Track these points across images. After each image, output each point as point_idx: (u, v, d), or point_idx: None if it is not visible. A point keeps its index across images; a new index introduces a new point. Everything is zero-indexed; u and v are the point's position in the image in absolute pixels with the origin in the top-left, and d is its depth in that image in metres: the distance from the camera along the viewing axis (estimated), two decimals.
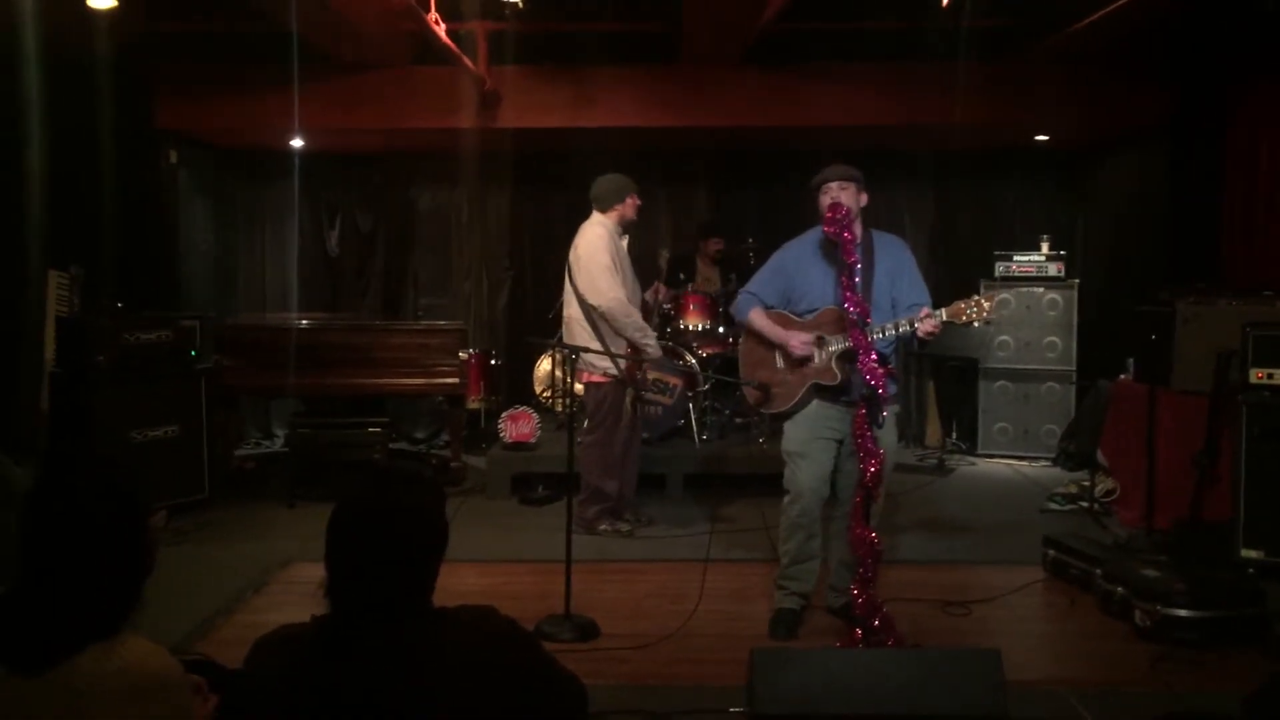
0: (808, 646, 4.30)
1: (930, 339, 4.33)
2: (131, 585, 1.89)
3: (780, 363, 4.52)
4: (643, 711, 3.68)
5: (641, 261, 7.83)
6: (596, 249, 5.85)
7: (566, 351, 5.36)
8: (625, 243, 6.09)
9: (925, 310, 4.27)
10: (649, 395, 6.73)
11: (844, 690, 3.32)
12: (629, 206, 6.04)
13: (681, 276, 8.00)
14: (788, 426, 4.56)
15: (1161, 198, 7.93)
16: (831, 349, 4.36)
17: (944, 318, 4.24)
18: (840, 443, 4.47)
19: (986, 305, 4.22)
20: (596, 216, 6.02)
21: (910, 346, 8.18)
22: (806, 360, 4.42)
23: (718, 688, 3.88)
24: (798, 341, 4.41)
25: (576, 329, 5.95)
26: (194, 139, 8.43)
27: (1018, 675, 3.63)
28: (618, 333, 5.86)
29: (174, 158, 8.27)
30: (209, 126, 8.11)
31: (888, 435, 4.35)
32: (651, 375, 6.95)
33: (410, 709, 1.80)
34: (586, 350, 5.65)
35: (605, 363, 5.86)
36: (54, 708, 1.74)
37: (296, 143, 8.45)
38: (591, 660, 4.12)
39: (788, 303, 4.58)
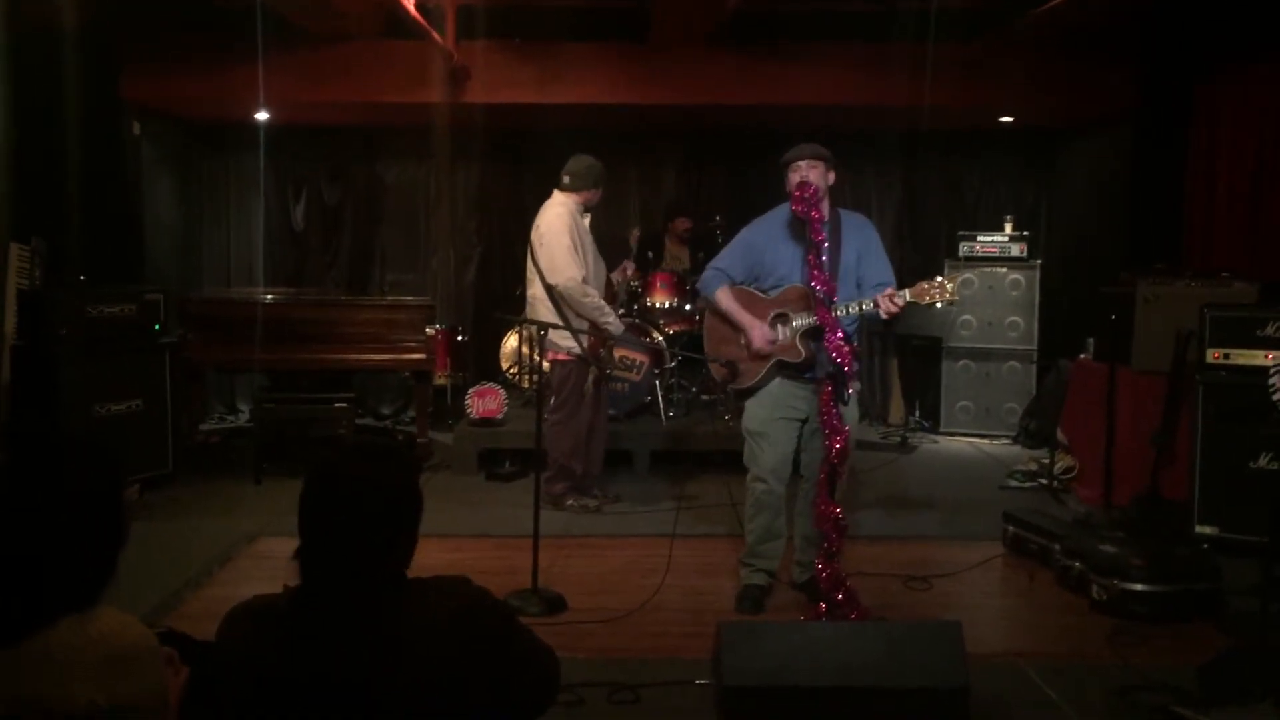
0: (773, 620, 4.36)
1: (892, 318, 4.37)
2: (107, 557, 1.90)
3: (744, 339, 4.56)
4: (611, 684, 3.73)
5: (612, 240, 7.86)
6: (558, 229, 5.86)
7: (534, 328, 5.36)
8: (587, 222, 6.10)
9: (890, 290, 4.31)
10: (614, 372, 6.75)
11: (809, 662, 3.37)
12: (595, 195, 6.07)
13: (650, 255, 8.01)
14: (749, 405, 4.59)
15: (1125, 182, 8.02)
16: (795, 325, 4.40)
17: (908, 298, 4.29)
18: (804, 422, 4.51)
19: (950, 287, 4.27)
20: (559, 196, 6.02)
21: (874, 325, 8.24)
22: (776, 328, 4.45)
23: (685, 660, 3.93)
24: (759, 335, 4.44)
25: (540, 307, 5.95)
26: (159, 111, 8.32)
27: (977, 648, 3.70)
28: (577, 312, 5.87)
29: (138, 129, 8.17)
30: (174, 98, 8.00)
31: (850, 412, 4.40)
32: (618, 353, 6.98)
33: (384, 679, 1.82)
34: (554, 326, 5.68)
35: (569, 341, 5.88)
36: (29, 678, 1.75)
37: (262, 115, 8.36)
38: (559, 634, 4.15)
39: (755, 279, 4.60)
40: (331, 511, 1.91)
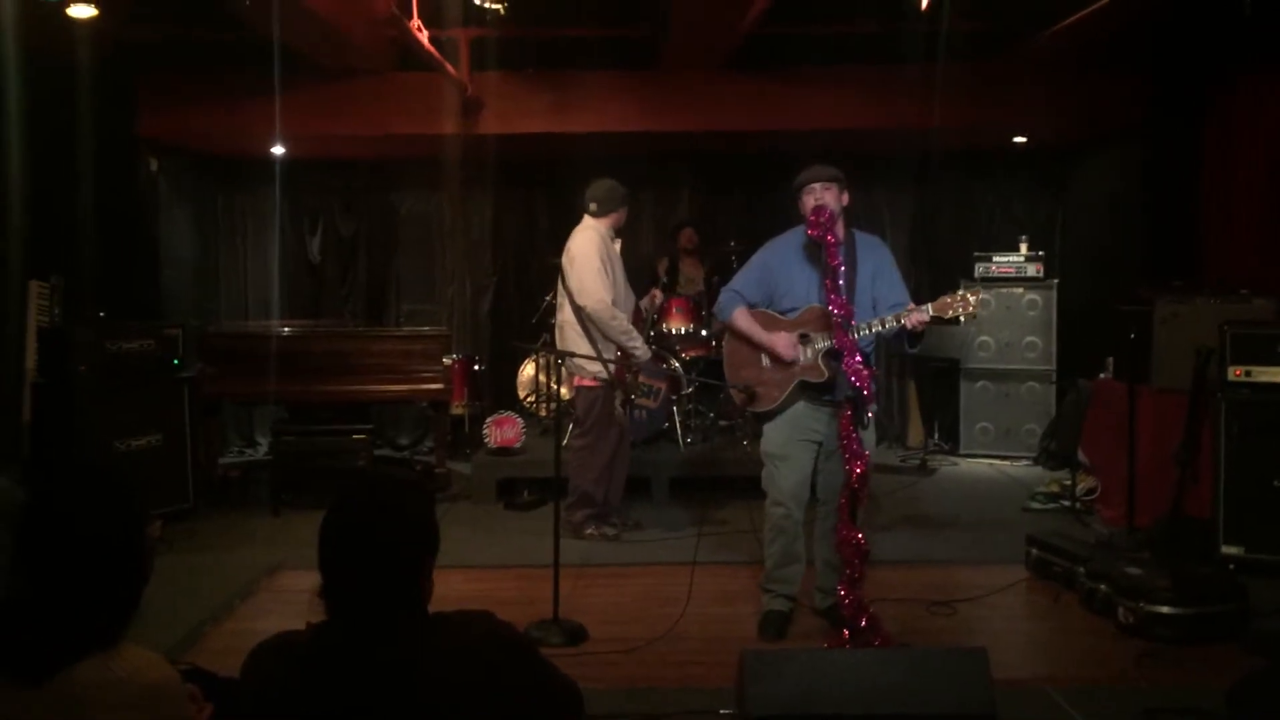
0: (796, 648, 4.32)
1: (919, 332, 4.31)
2: (131, 594, 1.90)
3: (765, 361, 4.54)
4: (634, 715, 3.70)
5: (640, 269, 7.88)
6: (587, 252, 5.89)
7: (552, 355, 5.36)
8: (618, 247, 6.13)
9: (911, 306, 4.30)
10: (636, 399, 6.74)
11: (833, 691, 3.33)
12: (623, 215, 6.10)
13: (664, 280, 8.02)
14: (768, 428, 4.58)
15: (1140, 197, 8.00)
16: (817, 346, 4.39)
17: (931, 312, 4.26)
18: (820, 445, 4.49)
19: (972, 300, 4.25)
20: (589, 221, 6.05)
21: (895, 348, 8.22)
22: (794, 360, 4.44)
23: (707, 690, 3.91)
24: (784, 344, 4.43)
25: (570, 333, 5.97)
26: (175, 146, 8.39)
27: (1003, 674, 3.66)
28: (604, 335, 5.88)
29: (155, 165, 8.24)
30: (190, 134, 8.07)
31: (868, 436, 4.38)
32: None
33: (407, 714, 1.81)
34: (572, 355, 5.69)
35: (596, 367, 5.88)
36: (55, 717, 1.75)
37: (278, 149, 8.43)
38: (580, 664, 4.13)
39: (770, 301, 4.60)
40: (351, 543, 1.90)
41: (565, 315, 6.03)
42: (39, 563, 1.86)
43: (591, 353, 5.78)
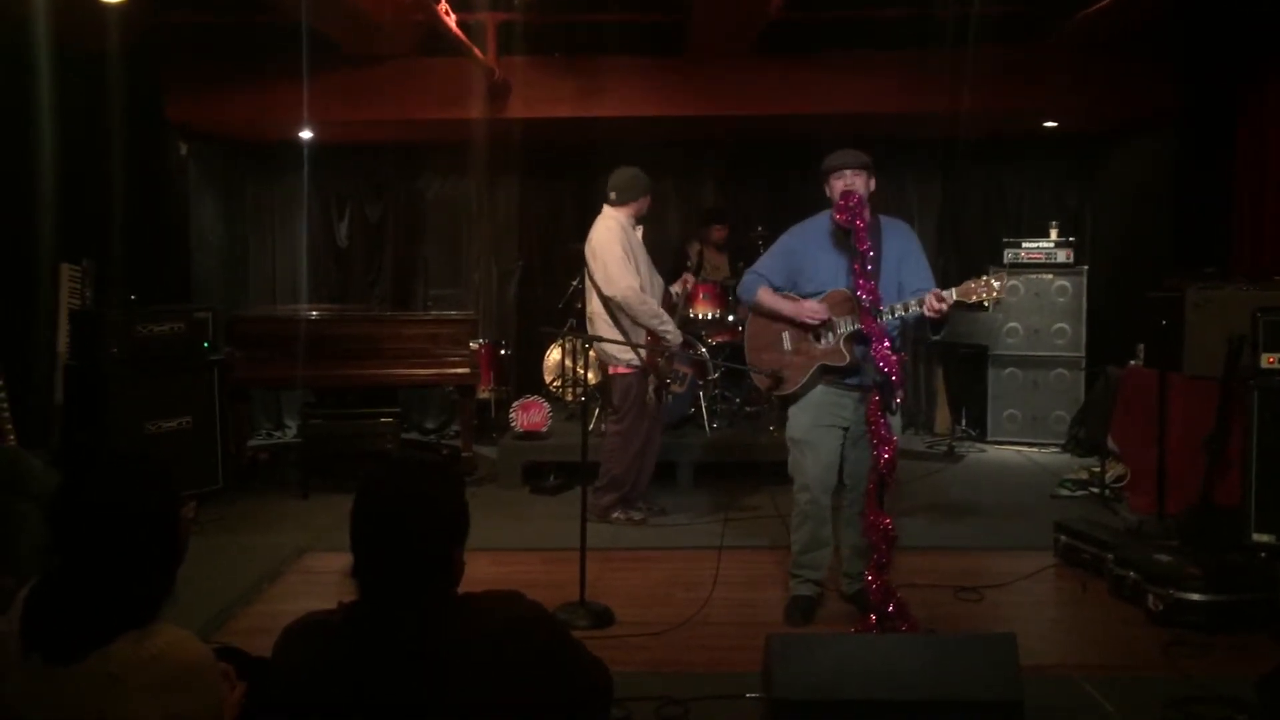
0: (823, 632, 4.32)
1: (940, 317, 4.25)
2: (166, 575, 1.92)
3: (788, 344, 4.53)
4: (659, 697, 3.71)
5: (670, 254, 7.86)
6: (608, 241, 5.88)
7: (578, 340, 5.37)
8: (640, 234, 6.12)
9: (935, 290, 4.26)
10: (670, 383, 6.74)
11: (860, 676, 3.33)
12: (644, 204, 6.08)
13: (690, 265, 8.00)
14: (793, 412, 4.57)
15: (1171, 185, 7.91)
16: (840, 330, 4.37)
17: (954, 297, 4.23)
18: (846, 430, 4.48)
19: (997, 285, 4.20)
20: (609, 211, 6.03)
21: (920, 334, 8.18)
22: (820, 331, 4.42)
23: (734, 674, 3.91)
24: (810, 309, 4.40)
25: (599, 323, 5.97)
26: (204, 132, 8.43)
27: (1030, 660, 3.64)
28: (635, 322, 5.88)
29: (184, 150, 8.30)
30: (219, 119, 8.10)
31: (895, 422, 4.35)
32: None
33: (439, 695, 1.82)
34: (599, 339, 5.69)
35: (629, 354, 5.88)
36: (90, 695, 1.77)
37: (305, 134, 8.46)
38: (608, 647, 4.12)
39: (794, 285, 4.58)
40: (382, 527, 1.92)
41: (594, 306, 6.03)
42: (73, 544, 1.88)
43: (620, 339, 5.79)
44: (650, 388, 6.03)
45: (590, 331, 6.06)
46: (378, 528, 1.92)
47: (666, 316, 5.99)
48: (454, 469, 2.09)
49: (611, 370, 6.06)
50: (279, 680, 1.95)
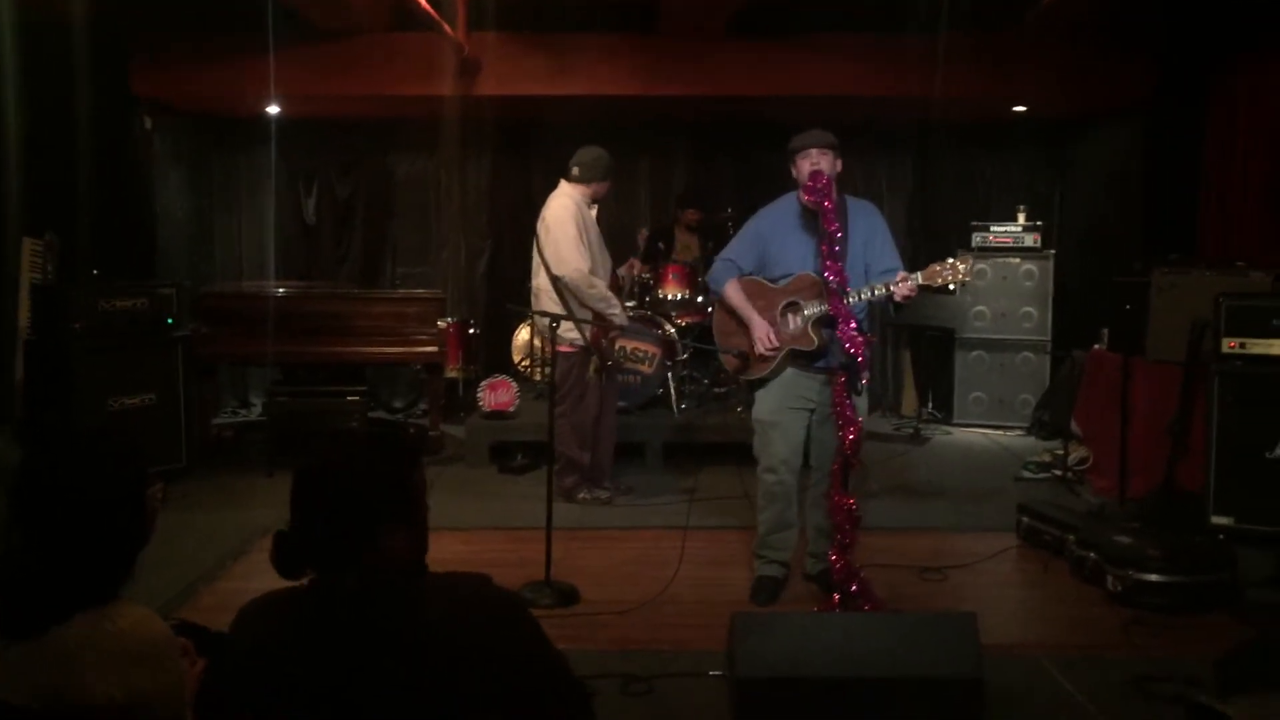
0: (787, 611, 4.35)
1: (907, 303, 4.35)
2: (128, 554, 1.91)
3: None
4: (624, 675, 3.72)
5: (619, 237, 7.84)
6: (563, 219, 5.84)
7: (547, 320, 5.35)
8: (594, 214, 6.08)
9: (902, 274, 4.29)
10: (625, 364, 6.72)
11: (822, 654, 3.36)
12: (604, 188, 6.05)
13: (661, 246, 7.99)
14: (759, 395, 4.59)
15: (1139, 171, 7.98)
16: (807, 314, 4.38)
17: (919, 281, 4.26)
18: (812, 411, 4.50)
19: (961, 268, 4.23)
20: (565, 187, 5.99)
21: (887, 315, 8.22)
22: (787, 317, 4.43)
23: (698, 652, 3.93)
24: (762, 338, 4.42)
25: (544, 298, 5.94)
26: (169, 106, 8.32)
27: (992, 639, 3.68)
28: (582, 303, 5.86)
29: (149, 124, 8.18)
30: (184, 93, 8.00)
31: (861, 403, 4.38)
32: (630, 345, 6.97)
33: (400, 672, 1.81)
34: (563, 318, 5.67)
35: (573, 333, 5.87)
36: (47, 671, 1.76)
37: (273, 109, 8.37)
38: (573, 625, 4.16)
39: (763, 268, 4.59)
40: (309, 497, 1.88)
41: (540, 281, 5.99)
42: (33, 521, 1.87)
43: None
44: (591, 368, 6.01)
45: (535, 307, 6.02)
46: (306, 495, 1.88)
47: (614, 299, 5.97)
48: (408, 446, 2.04)
49: (557, 349, 6.04)
50: (238, 656, 1.93)
